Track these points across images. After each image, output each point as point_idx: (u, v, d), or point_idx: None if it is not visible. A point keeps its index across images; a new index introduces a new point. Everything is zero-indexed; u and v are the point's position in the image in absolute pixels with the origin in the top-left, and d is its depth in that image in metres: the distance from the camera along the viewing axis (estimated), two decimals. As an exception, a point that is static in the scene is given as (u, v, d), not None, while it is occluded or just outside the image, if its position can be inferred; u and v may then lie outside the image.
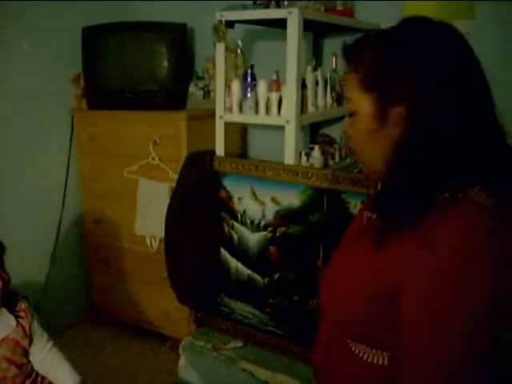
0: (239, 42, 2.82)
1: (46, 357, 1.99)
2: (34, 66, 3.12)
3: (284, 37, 2.25)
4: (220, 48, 2.42)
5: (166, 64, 2.98)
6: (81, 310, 3.56)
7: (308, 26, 2.34)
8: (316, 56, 3.05)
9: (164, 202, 2.69)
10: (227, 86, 2.45)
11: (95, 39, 3.09)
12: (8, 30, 2.95)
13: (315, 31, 3.04)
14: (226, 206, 2.47)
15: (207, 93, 3.06)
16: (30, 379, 1.95)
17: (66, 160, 3.36)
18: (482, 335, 0.98)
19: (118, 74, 3.11)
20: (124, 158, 3.11)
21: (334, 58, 2.87)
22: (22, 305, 1.96)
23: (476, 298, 0.97)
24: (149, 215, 3.06)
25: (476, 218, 0.99)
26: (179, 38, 3.03)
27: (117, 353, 3.23)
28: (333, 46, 3.01)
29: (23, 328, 1.92)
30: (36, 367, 1.98)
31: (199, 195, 2.52)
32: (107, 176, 3.24)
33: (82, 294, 3.56)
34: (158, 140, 2.97)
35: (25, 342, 1.92)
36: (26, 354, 1.93)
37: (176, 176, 2.66)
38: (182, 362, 2.57)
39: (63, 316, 3.37)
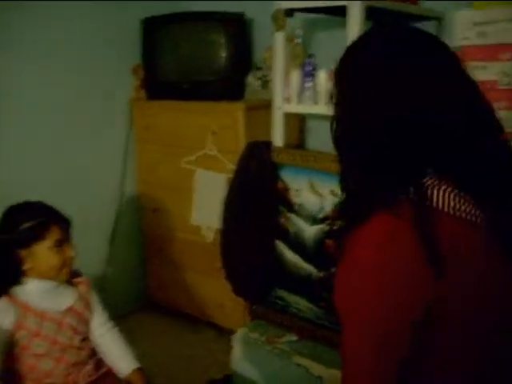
0: (298, 31, 2.75)
1: (105, 333, 2.02)
2: (94, 57, 3.15)
3: (345, 25, 2.18)
4: (279, 37, 2.37)
5: (224, 54, 2.95)
6: (137, 298, 3.58)
7: (369, 14, 2.26)
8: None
9: (220, 192, 2.67)
10: (286, 75, 2.40)
11: (154, 30, 3.09)
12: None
13: (376, 20, 2.94)
14: (283, 198, 2.42)
15: (265, 83, 3.00)
16: (92, 359, 1.97)
17: (124, 150, 3.38)
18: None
19: (177, 64, 3.10)
20: (181, 148, 3.10)
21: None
22: (83, 278, 2.00)
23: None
24: (205, 206, 3.04)
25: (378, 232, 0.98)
26: (237, 28, 2.98)
27: (171, 342, 3.23)
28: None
29: (85, 300, 1.97)
30: (95, 341, 2.01)
31: (256, 187, 2.48)
32: (164, 166, 3.23)
33: (139, 283, 3.58)
34: (215, 130, 2.94)
35: (87, 314, 1.97)
36: (88, 326, 1.97)
37: (233, 167, 2.63)
38: (235, 353, 2.54)
39: (120, 304, 3.39)
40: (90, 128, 3.20)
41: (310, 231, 2.36)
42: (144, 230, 3.51)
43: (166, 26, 3.05)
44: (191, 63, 3.05)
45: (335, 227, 2.27)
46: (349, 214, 1.06)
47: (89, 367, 1.94)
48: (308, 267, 2.39)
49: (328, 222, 2.28)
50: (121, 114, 3.33)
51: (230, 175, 2.65)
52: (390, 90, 1.00)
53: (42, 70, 2.93)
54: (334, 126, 1.09)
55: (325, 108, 2.30)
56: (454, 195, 0.99)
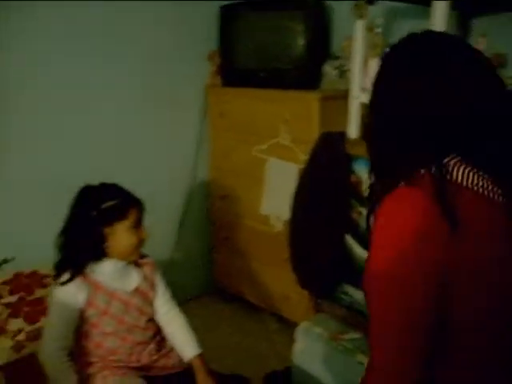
0: (379, 20, 2.65)
1: (168, 313, 2.04)
2: (171, 43, 3.16)
3: (427, 15, 2.07)
4: (359, 25, 2.29)
5: (301, 42, 2.88)
6: (202, 283, 3.60)
7: (455, 3, 2.14)
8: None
9: (291, 182, 2.62)
10: (364, 65, 2.31)
11: (232, 17, 3.06)
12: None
13: (462, 10, 2.80)
14: (356, 192, 2.34)
15: (342, 73, 2.91)
16: (155, 339, 1.99)
17: (198, 136, 3.39)
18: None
19: (253, 51, 3.06)
20: (254, 136, 3.06)
21: (482, 40, 2.63)
22: (148, 259, 2.03)
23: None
24: (275, 195, 3.00)
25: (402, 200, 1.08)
26: (316, 16, 2.91)
27: (233, 329, 3.23)
28: (481, 26, 2.76)
29: (150, 281, 1.99)
30: (159, 321, 2.03)
31: (328, 178, 2.41)
32: (237, 153, 3.21)
33: (205, 268, 3.59)
34: (289, 119, 2.89)
35: (152, 294, 1.99)
36: (152, 307, 2.00)
37: (305, 157, 2.57)
38: (297, 346, 2.49)
39: (185, 288, 3.41)
40: (166, 114, 3.23)
41: (381, 227, 2.26)
42: (212, 217, 3.51)
43: (244, 12, 3.01)
44: (268, 51, 3.00)
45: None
46: (377, 192, 1.15)
47: (152, 346, 1.97)
48: (377, 264, 2.30)
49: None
50: (196, 100, 3.34)
51: (302, 165, 2.59)
52: (421, 90, 1.10)
53: (119, 56, 2.97)
54: (370, 116, 1.22)
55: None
56: (474, 173, 1.07)
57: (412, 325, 1.05)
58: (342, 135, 2.37)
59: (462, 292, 1.04)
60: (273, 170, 2.99)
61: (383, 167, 1.18)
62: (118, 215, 1.82)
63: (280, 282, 3.07)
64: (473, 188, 1.06)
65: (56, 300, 1.81)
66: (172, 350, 2.03)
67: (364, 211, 2.31)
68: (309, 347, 2.45)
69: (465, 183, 1.06)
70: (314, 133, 2.73)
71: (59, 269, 1.82)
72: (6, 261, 2.74)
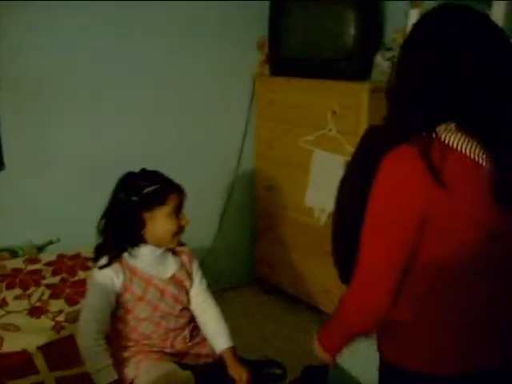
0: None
1: (204, 302, 2.01)
2: (221, 32, 3.13)
3: (485, 4, 1.99)
4: (414, 16, 2.21)
5: (353, 32, 2.81)
6: (243, 273, 3.58)
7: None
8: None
9: (337, 175, 2.55)
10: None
11: (283, 4, 3.01)
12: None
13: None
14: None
15: (394, 64, 2.83)
16: (189, 326, 1.97)
17: (244, 124, 3.35)
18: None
19: (303, 40, 3.00)
20: (301, 126, 3.01)
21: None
22: (185, 248, 2.00)
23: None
24: (320, 187, 2.93)
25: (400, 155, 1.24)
26: (369, 6, 2.83)
27: (271, 320, 3.19)
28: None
29: (186, 269, 1.96)
30: (194, 310, 2.00)
31: (375, 172, 2.34)
32: (282, 143, 3.17)
33: (246, 258, 3.57)
34: (337, 111, 2.82)
35: (187, 283, 1.97)
36: (187, 295, 1.97)
37: (352, 149, 2.50)
38: (337, 342, 2.43)
39: (225, 277, 3.40)
40: (213, 102, 3.22)
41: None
42: (256, 207, 3.48)
43: (295, 2, 2.96)
44: (318, 40, 2.94)
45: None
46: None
47: (185, 333, 1.95)
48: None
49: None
50: (244, 89, 3.31)
51: (349, 158, 2.53)
52: (437, 61, 1.22)
53: (171, 42, 2.98)
54: (393, 80, 1.34)
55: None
56: (465, 138, 1.20)
57: (397, 243, 1.25)
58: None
59: (435, 234, 1.22)
60: (319, 161, 2.94)
61: (395, 126, 1.33)
62: (157, 200, 1.80)
63: (321, 275, 3.01)
64: (461, 150, 1.20)
65: (94, 282, 1.81)
66: (205, 339, 2.00)
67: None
68: (349, 345, 2.38)
69: (454, 145, 1.20)
70: (362, 125, 2.67)
71: (99, 252, 1.82)
72: (51, 242, 2.78)
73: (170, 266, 1.92)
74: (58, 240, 2.78)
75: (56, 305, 2.20)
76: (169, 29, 2.98)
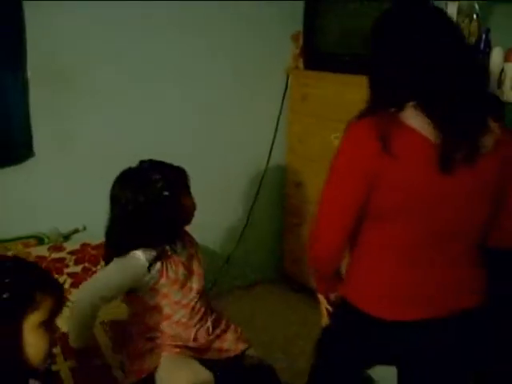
0: (476, 5, 2.43)
1: None
2: (254, 24, 3.07)
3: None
4: (452, 8, 2.10)
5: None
6: (270, 269, 3.51)
7: None
8: None
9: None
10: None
11: (318, 9, 2.91)
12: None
13: None
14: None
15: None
16: (212, 318, 1.98)
17: (277, 118, 3.28)
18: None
19: (338, 34, 2.90)
20: (333, 122, 2.90)
21: None
22: (187, 236, 2.01)
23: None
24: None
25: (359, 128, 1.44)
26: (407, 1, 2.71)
27: (296, 319, 3.11)
28: None
29: (191, 254, 1.98)
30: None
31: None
32: (314, 139, 3.08)
33: (274, 254, 3.50)
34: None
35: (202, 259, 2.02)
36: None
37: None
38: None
39: (252, 271, 3.34)
40: (246, 96, 3.16)
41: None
42: (286, 201, 3.40)
43: (329, 2, 2.87)
44: (354, 34, 2.82)
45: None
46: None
47: (208, 325, 1.95)
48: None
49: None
50: (277, 82, 3.24)
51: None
52: (403, 51, 1.40)
53: (200, 33, 2.94)
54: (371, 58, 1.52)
55: (498, 92, 2.00)
56: (419, 116, 1.37)
57: (350, 195, 1.45)
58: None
59: (381, 190, 1.40)
60: (350, 158, 2.84)
61: (371, 99, 1.50)
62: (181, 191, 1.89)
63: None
64: (413, 126, 1.37)
65: (126, 263, 1.79)
66: (226, 331, 2.00)
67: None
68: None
69: (408, 122, 1.37)
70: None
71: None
72: (77, 230, 2.77)
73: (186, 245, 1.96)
74: (84, 229, 2.76)
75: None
76: (206, 24, 2.94)
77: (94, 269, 2.29)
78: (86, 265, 2.31)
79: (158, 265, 1.79)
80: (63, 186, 2.75)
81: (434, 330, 1.49)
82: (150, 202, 1.78)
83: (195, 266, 1.94)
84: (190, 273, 1.90)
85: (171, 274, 1.83)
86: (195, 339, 1.89)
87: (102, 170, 2.80)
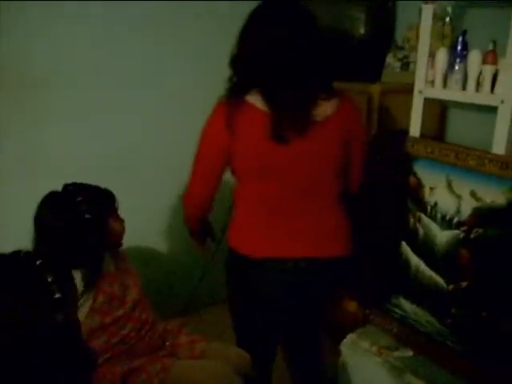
0: (448, 9, 2.35)
1: None
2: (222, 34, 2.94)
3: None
4: (427, 11, 2.01)
5: (362, 30, 2.61)
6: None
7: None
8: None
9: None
10: (431, 56, 2.03)
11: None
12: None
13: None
14: (415, 195, 2.07)
15: (406, 65, 2.63)
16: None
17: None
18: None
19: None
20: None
21: None
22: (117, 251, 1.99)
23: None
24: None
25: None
26: (380, 2, 2.63)
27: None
28: None
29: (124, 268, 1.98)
30: None
31: (385, 179, 2.15)
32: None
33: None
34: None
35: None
36: None
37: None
38: (342, 360, 2.24)
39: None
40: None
41: (441, 236, 1.99)
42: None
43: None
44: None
45: (472, 236, 1.89)
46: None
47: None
48: (435, 277, 2.02)
49: (464, 228, 1.90)
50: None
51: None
52: (256, 40, 1.69)
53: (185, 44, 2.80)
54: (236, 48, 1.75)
55: (475, 95, 1.92)
56: (260, 97, 1.67)
57: (207, 164, 1.81)
58: (403, 133, 2.10)
59: (237, 158, 1.74)
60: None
61: (232, 86, 1.75)
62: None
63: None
64: (255, 105, 1.67)
65: None
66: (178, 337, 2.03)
67: (423, 217, 2.04)
68: (355, 362, 2.19)
69: (251, 101, 1.67)
70: (372, 129, 2.47)
71: None
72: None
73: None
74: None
75: None
76: (184, 30, 2.84)
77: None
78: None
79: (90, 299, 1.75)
80: (33, 201, 2.60)
81: (292, 269, 1.79)
82: (71, 225, 1.74)
83: (130, 280, 1.93)
84: (125, 287, 1.89)
85: (107, 290, 1.81)
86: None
87: (68, 179, 2.68)
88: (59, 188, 1.90)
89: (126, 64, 2.72)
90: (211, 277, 3.10)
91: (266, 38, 1.64)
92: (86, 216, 1.76)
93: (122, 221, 1.92)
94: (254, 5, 1.75)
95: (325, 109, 1.67)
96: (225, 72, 1.75)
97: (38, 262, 1.10)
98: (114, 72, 2.69)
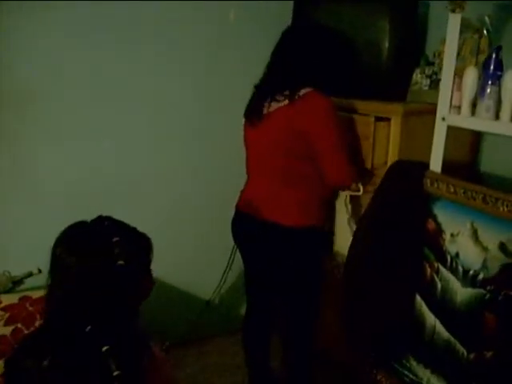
0: (486, 19, 1.95)
1: None
2: (240, 39, 2.62)
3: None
4: (454, 20, 1.60)
5: (387, 44, 2.21)
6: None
7: None
8: None
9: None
10: (458, 75, 1.63)
11: (307, 11, 2.42)
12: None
13: None
14: (433, 242, 1.67)
15: (435, 82, 2.22)
16: None
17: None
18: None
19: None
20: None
21: None
22: None
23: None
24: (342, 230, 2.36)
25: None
26: (408, 12, 2.23)
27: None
28: None
29: None
30: None
31: (399, 219, 1.76)
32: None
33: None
34: (366, 136, 2.26)
35: None
36: None
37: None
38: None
39: (235, 317, 2.86)
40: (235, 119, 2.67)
41: (463, 294, 1.58)
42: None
43: (321, 6, 2.37)
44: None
45: (500, 297, 1.49)
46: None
47: None
48: (453, 341, 1.62)
49: (491, 287, 1.50)
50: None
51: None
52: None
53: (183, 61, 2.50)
54: None
55: (509, 126, 1.51)
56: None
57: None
58: (421, 166, 1.71)
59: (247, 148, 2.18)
60: (344, 198, 2.35)
61: None
62: None
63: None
64: None
65: None
66: None
67: (442, 269, 1.65)
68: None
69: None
70: (392, 155, 2.10)
71: None
72: (31, 274, 2.35)
73: None
74: (40, 272, 2.33)
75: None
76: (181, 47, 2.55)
77: (26, 331, 1.83)
78: (19, 325, 1.86)
79: None
80: (16, 223, 2.33)
81: (248, 223, 2.13)
82: (100, 271, 1.29)
83: None
84: None
85: None
86: None
87: (61, 206, 2.40)
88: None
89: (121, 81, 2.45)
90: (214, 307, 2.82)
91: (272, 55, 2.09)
92: (119, 263, 1.31)
93: (152, 275, 1.48)
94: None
95: (274, 105, 1.99)
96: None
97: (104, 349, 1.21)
98: (105, 88, 2.42)
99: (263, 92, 2.03)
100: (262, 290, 2.29)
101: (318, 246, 2.13)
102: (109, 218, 1.39)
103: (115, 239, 1.31)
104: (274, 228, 2.02)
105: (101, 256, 1.29)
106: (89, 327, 1.21)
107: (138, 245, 1.39)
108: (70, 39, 2.29)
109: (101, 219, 1.38)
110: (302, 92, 1.94)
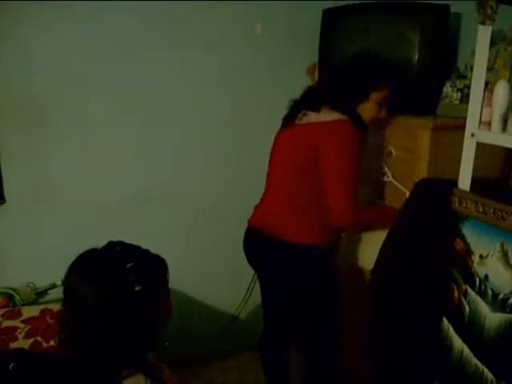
0: (522, 30, 1.87)
1: None
2: (266, 52, 2.58)
3: None
4: (483, 32, 1.52)
5: (417, 56, 2.15)
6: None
7: None
8: None
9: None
10: (489, 89, 1.55)
11: (335, 23, 2.37)
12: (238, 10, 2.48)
13: None
14: (461, 263, 1.57)
15: (466, 96, 2.14)
16: None
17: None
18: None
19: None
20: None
21: None
22: None
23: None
24: (372, 245, 2.28)
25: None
26: (439, 24, 2.15)
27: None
28: None
29: None
30: None
31: (426, 239, 1.69)
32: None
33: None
34: (393, 151, 2.19)
35: None
36: None
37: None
38: None
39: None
40: (258, 128, 2.63)
41: (492, 319, 1.49)
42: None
43: (350, 18, 2.32)
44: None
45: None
46: None
47: None
48: (481, 368, 1.53)
49: (522, 313, 1.42)
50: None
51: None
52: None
53: (212, 68, 2.51)
54: None
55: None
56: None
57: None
58: (449, 184, 1.62)
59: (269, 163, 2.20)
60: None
61: None
62: None
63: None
64: None
65: None
66: None
67: (470, 291, 1.56)
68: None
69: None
70: (421, 171, 2.03)
71: None
72: (54, 286, 2.35)
73: None
74: (62, 283, 2.32)
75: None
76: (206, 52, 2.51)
77: (45, 345, 1.81)
78: (38, 338, 1.84)
79: None
80: (40, 235, 2.33)
81: (256, 240, 2.14)
82: (116, 299, 1.25)
83: None
84: None
85: None
86: None
87: (83, 219, 2.39)
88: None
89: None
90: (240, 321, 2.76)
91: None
92: (137, 288, 1.27)
93: (170, 298, 1.41)
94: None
95: (308, 118, 1.99)
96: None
97: None
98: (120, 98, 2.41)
99: (302, 104, 2.05)
100: (275, 307, 2.26)
101: (326, 262, 2.09)
102: (120, 243, 1.35)
103: (129, 265, 1.27)
104: (281, 245, 2.00)
105: (116, 283, 1.25)
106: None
107: (153, 267, 1.34)
108: (92, 51, 2.29)
109: (112, 244, 1.34)
110: (336, 117, 1.92)
